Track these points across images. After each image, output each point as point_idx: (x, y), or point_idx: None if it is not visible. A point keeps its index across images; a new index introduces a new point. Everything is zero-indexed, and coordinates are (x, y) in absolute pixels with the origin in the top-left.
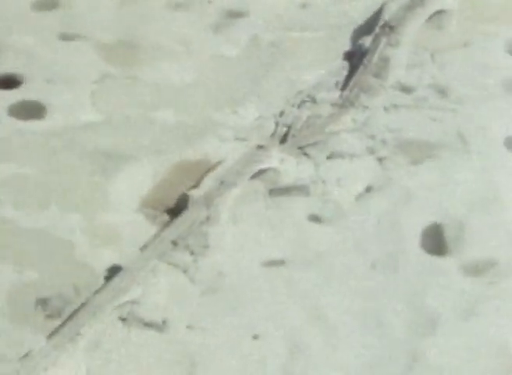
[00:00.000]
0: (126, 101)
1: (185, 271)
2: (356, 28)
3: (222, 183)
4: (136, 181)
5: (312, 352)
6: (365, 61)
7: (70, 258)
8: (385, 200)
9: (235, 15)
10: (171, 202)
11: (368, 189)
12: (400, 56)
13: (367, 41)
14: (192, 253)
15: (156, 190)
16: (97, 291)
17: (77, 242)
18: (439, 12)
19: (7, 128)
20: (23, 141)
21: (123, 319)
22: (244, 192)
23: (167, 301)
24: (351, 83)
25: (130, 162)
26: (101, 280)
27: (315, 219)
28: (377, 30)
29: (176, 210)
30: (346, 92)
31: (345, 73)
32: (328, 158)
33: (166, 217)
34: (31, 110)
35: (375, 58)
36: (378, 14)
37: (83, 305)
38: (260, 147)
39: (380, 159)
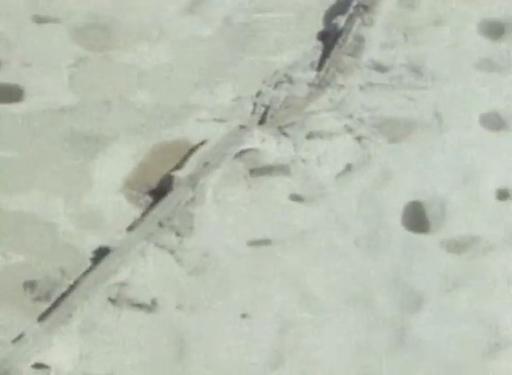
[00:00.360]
0: (102, 84)
1: (171, 252)
2: (328, 8)
3: (206, 164)
4: (117, 163)
5: (301, 331)
6: (340, 41)
7: (55, 240)
8: (366, 178)
9: None
10: (153, 183)
11: (348, 167)
12: (375, 36)
13: (341, 20)
14: (178, 234)
15: (137, 171)
16: (86, 273)
17: (61, 225)
18: None
19: None
20: (2, 124)
21: (113, 301)
22: (226, 172)
23: (155, 282)
24: (327, 63)
25: (110, 144)
26: (88, 262)
27: (297, 198)
28: (351, 9)
29: (159, 191)
30: (322, 72)
31: (319, 53)
32: (308, 137)
33: (149, 198)
34: (9, 93)
35: (350, 37)
36: None
37: (72, 287)
38: (242, 127)
39: (358, 138)
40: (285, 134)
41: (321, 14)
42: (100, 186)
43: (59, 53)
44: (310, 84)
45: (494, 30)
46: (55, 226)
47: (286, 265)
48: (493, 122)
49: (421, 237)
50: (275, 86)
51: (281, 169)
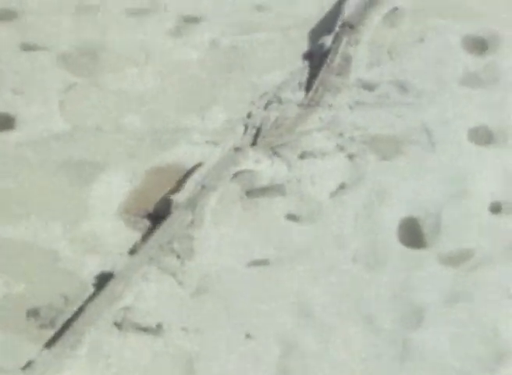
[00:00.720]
0: (93, 110)
1: (173, 275)
2: (311, 29)
3: (203, 186)
4: (113, 188)
5: (305, 349)
6: (328, 60)
7: (56, 267)
8: (360, 196)
9: (192, 20)
10: (150, 207)
11: (342, 186)
12: (361, 55)
13: (327, 40)
14: (178, 257)
15: (133, 196)
16: (91, 299)
17: (61, 251)
18: (392, 10)
19: None
20: None
21: (118, 325)
22: (222, 194)
23: (159, 306)
24: (316, 83)
25: (105, 169)
26: (90, 288)
27: (293, 217)
28: (337, 29)
29: (157, 215)
30: (311, 92)
31: (307, 73)
32: (300, 157)
33: (147, 222)
34: (0, 122)
35: (338, 57)
36: (334, 14)
37: (78, 313)
38: (237, 149)
39: (350, 156)
40: (278, 155)
41: (306, 34)
42: (97, 211)
43: (49, 80)
44: (299, 104)
45: (477, 45)
46: (55, 253)
47: (286, 284)
48: (482, 136)
49: (417, 252)
50: (265, 107)
51: (276, 190)
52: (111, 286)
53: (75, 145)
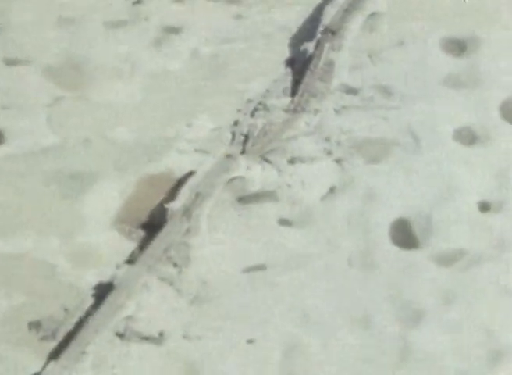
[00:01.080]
0: (81, 123)
1: (171, 283)
2: (291, 36)
3: (197, 194)
4: (106, 200)
5: (307, 352)
6: (311, 66)
7: (54, 279)
8: (350, 199)
9: (172, 30)
10: (143, 217)
11: (332, 190)
12: (343, 59)
13: (310, 46)
14: (175, 265)
15: (126, 206)
16: (94, 310)
17: (58, 264)
18: (371, 15)
19: None
20: None
21: (121, 335)
22: (215, 202)
23: (160, 314)
24: (300, 89)
25: (96, 181)
26: (89, 299)
27: (286, 222)
28: (319, 35)
29: (151, 224)
30: (296, 98)
31: (290, 79)
32: (289, 162)
33: (141, 232)
34: None
35: (321, 62)
36: (314, 20)
37: (80, 324)
38: (228, 156)
39: (338, 160)
40: (267, 161)
41: (286, 41)
42: (91, 223)
43: (35, 94)
44: (285, 110)
45: (456, 47)
46: (52, 265)
47: (284, 289)
48: (466, 136)
49: (410, 253)
50: (252, 114)
51: (268, 196)
52: (113, 296)
53: (65, 158)
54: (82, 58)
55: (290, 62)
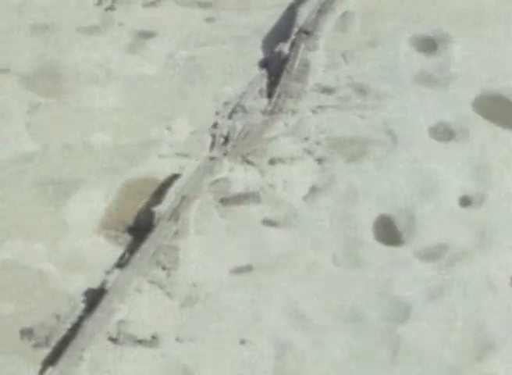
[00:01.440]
0: (60, 129)
1: (161, 286)
2: (264, 38)
3: (183, 197)
4: (90, 205)
5: (299, 350)
6: (288, 67)
7: (43, 286)
8: (332, 198)
9: (146, 35)
10: (129, 221)
11: (314, 189)
12: (318, 60)
13: (284, 47)
14: (164, 268)
15: (111, 211)
16: (86, 315)
17: (46, 270)
18: (343, 15)
19: None
20: None
21: (114, 339)
22: (200, 204)
23: (152, 317)
24: (278, 90)
25: (79, 186)
26: (80, 305)
27: (270, 223)
28: (293, 36)
29: (137, 228)
30: (274, 99)
31: (266, 80)
32: (271, 163)
33: (128, 236)
34: None
35: (297, 63)
36: (287, 21)
37: (74, 330)
38: (212, 158)
39: (319, 160)
40: (249, 162)
41: (259, 43)
42: (77, 229)
43: (13, 102)
44: (263, 112)
45: (427, 45)
46: (40, 272)
47: (272, 289)
48: (442, 133)
49: (395, 249)
50: (230, 116)
51: (251, 197)
52: (106, 301)
53: (46, 164)
54: (57, 64)
55: (265, 64)
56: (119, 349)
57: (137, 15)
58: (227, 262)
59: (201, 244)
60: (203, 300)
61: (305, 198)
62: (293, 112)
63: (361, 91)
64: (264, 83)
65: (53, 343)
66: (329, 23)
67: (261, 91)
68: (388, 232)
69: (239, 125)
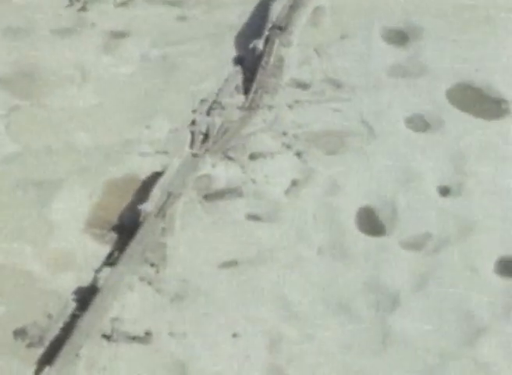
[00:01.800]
0: (39, 130)
1: (150, 283)
2: (237, 34)
3: (169, 194)
4: (74, 205)
5: (290, 341)
6: (263, 63)
7: (33, 287)
8: (314, 191)
9: (119, 35)
10: (113, 219)
11: (295, 183)
12: (292, 55)
13: (259, 44)
14: (153, 265)
15: (95, 210)
16: (79, 313)
17: (35, 271)
18: (314, 10)
19: None
20: None
21: (108, 337)
22: (185, 200)
23: (144, 314)
24: (254, 86)
25: (62, 187)
26: (71, 304)
27: (254, 217)
28: (267, 32)
29: (122, 226)
30: (250, 95)
31: (241, 77)
32: (251, 158)
33: (113, 234)
34: None
35: (271, 59)
36: (259, 18)
37: (68, 328)
38: (194, 155)
39: (298, 154)
40: (229, 158)
41: (232, 40)
42: (62, 229)
43: None
44: (240, 108)
45: (397, 37)
46: (29, 273)
47: (260, 282)
48: (418, 123)
49: (379, 240)
50: (208, 113)
51: (234, 192)
52: (99, 298)
53: (28, 166)
54: (33, 66)
55: (239, 60)
56: (113, 346)
57: (109, 15)
58: (214, 257)
59: (188, 241)
60: (193, 295)
61: (287, 191)
62: (270, 107)
63: (335, 84)
64: (239, 79)
65: (47, 342)
66: (302, 19)
67: (237, 88)
68: (370, 223)
69: (217, 121)
